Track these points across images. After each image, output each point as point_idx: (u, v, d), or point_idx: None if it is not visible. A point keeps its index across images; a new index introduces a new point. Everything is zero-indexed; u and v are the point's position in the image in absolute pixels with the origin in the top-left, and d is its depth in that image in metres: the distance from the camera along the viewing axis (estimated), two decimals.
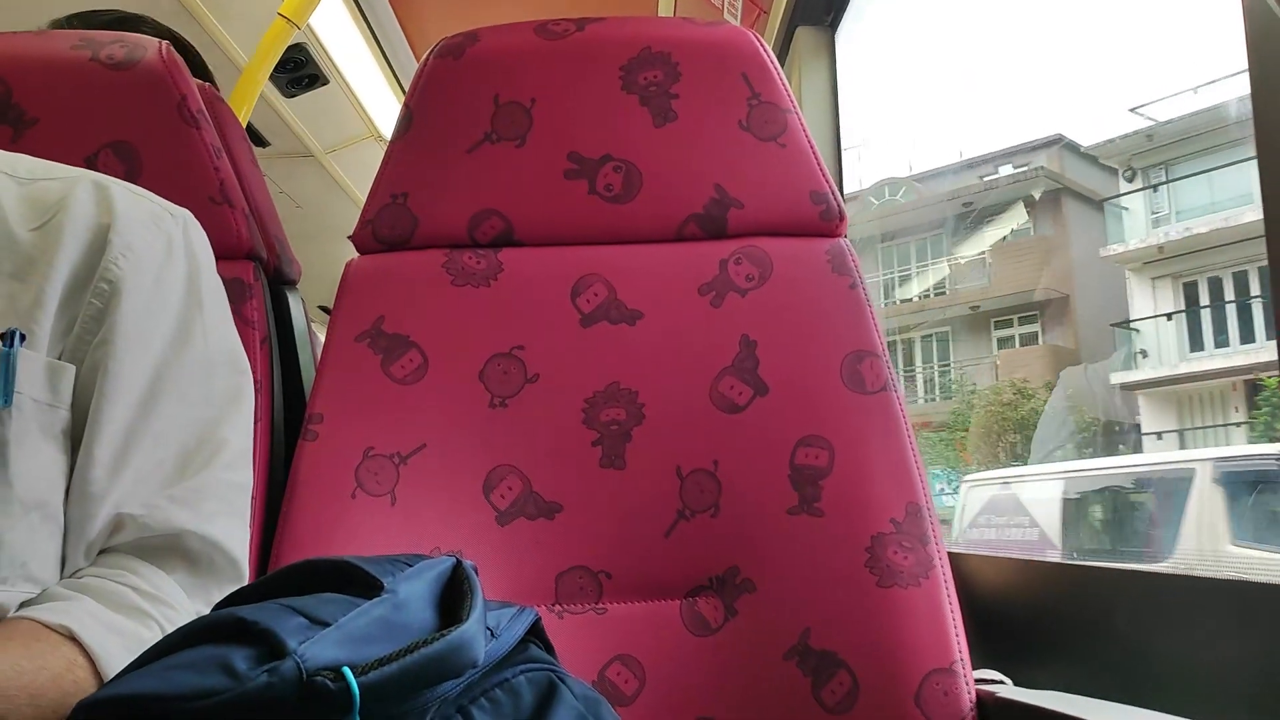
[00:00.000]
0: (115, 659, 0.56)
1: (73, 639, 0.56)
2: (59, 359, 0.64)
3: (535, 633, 0.61)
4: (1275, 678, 0.63)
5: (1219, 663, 0.69)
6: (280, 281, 1.08)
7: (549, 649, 0.62)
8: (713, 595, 0.85)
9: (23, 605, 0.59)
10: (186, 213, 0.74)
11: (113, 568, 0.62)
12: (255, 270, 0.99)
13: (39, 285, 0.64)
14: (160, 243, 0.69)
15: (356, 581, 0.51)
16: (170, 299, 0.69)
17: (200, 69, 1.29)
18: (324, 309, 3.41)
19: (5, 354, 0.60)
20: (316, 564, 0.53)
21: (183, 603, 0.63)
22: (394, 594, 0.49)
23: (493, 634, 0.55)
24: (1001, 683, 0.81)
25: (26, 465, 0.60)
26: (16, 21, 1.25)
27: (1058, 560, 0.97)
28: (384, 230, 0.95)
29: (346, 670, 0.42)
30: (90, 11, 1.27)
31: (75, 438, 0.64)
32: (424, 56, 0.99)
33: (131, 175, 0.90)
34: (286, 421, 0.98)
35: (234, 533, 0.68)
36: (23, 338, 0.62)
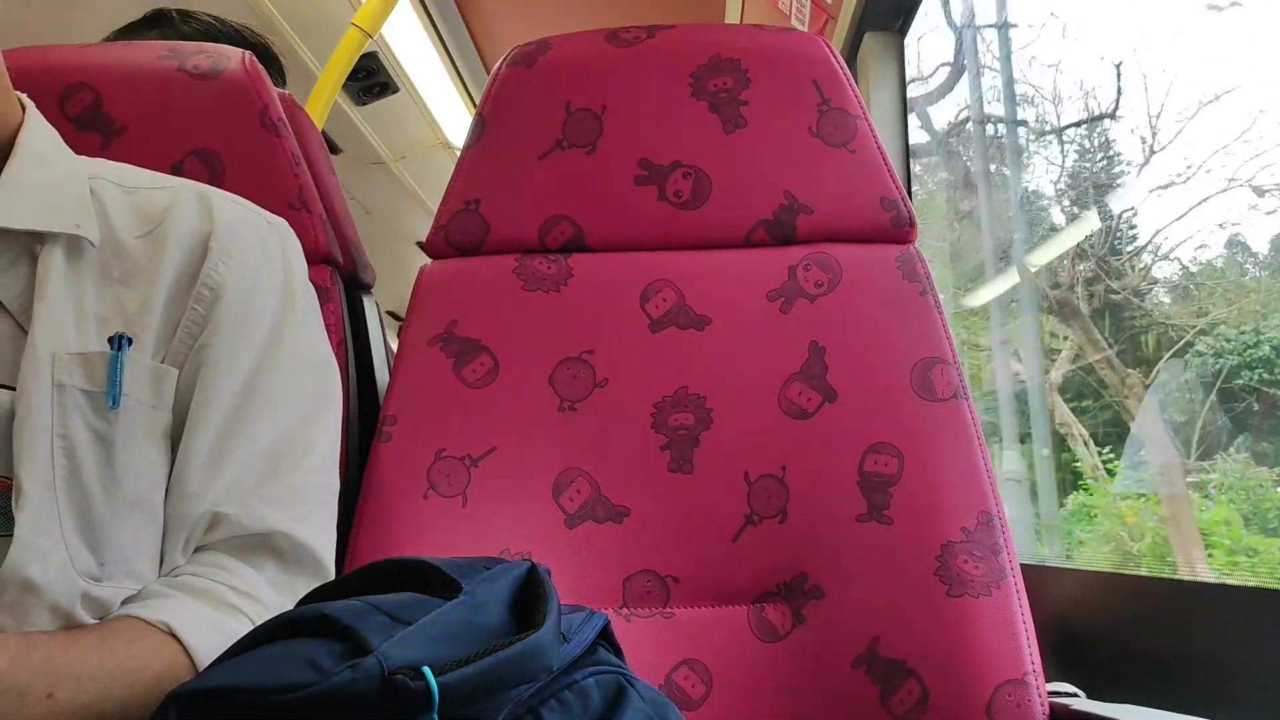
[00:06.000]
0: (213, 655, 0.58)
1: (173, 635, 0.58)
2: (162, 362, 0.66)
3: (604, 636, 0.62)
4: None
5: None
6: (355, 286, 1.10)
7: (618, 652, 0.63)
8: (780, 602, 0.84)
9: (124, 602, 0.61)
10: (282, 221, 0.77)
11: (207, 565, 0.64)
12: (332, 275, 1.00)
13: (145, 291, 0.66)
14: (258, 250, 0.72)
15: (435, 582, 0.52)
16: (266, 304, 0.71)
17: (267, 60, 1.31)
18: (392, 314, 3.46)
19: (114, 358, 0.63)
20: (396, 564, 0.54)
21: (272, 599, 0.65)
22: (472, 595, 0.50)
23: (565, 638, 0.55)
24: (1075, 695, 0.80)
25: (132, 465, 0.63)
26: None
27: (1133, 573, 0.96)
28: (456, 236, 0.97)
29: (427, 670, 0.43)
30: (126, 26, 1.30)
31: (175, 438, 0.66)
32: (496, 65, 1.00)
33: (215, 182, 0.93)
34: (361, 422, 1.00)
35: (321, 534, 0.69)
36: (129, 341, 0.64)
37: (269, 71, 1.08)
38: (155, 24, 1.29)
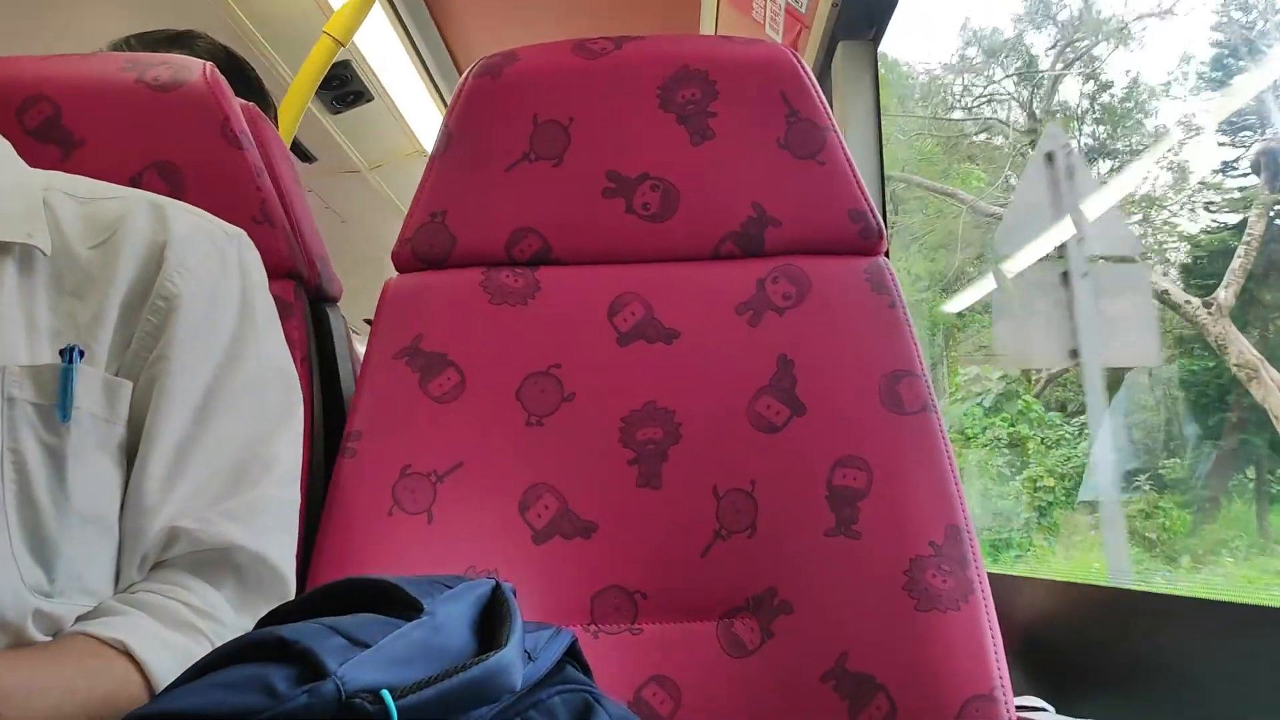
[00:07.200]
0: (168, 674, 0.57)
1: (127, 654, 0.58)
2: (116, 375, 0.65)
3: (572, 653, 0.61)
4: None
5: (1270, 692, 0.68)
6: (321, 299, 1.09)
7: (585, 670, 0.62)
8: (749, 616, 0.84)
9: (79, 619, 0.60)
10: (240, 232, 0.76)
11: (165, 583, 0.63)
12: (296, 289, 1.00)
13: (98, 302, 0.65)
14: (215, 261, 0.71)
15: (396, 602, 0.51)
16: (224, 316, 0.70)
17: (255, 85, 1.32)
18: (369, 323, 3.44)
19: (65, 370, 0.62)
20: (356, 583, 0.53)
21: (232, 619, 0.64)
22: (433, 616, 0.50)
23: (530, 657, 0.55)
24: (1044, 710, 0.80)
25: (84, 479, 0.62)
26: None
27: (1099, 584, 0.96)
28: (422, 248, 0.96)
29: (385, 694, 0.42)
30: (146, 32, 1.30)
31: (131, 452, 0.65)
32: (462, 76, 1.00)
33: (175, 195, 0.91)
34: (326, 438, 0.99)
35: (283, 550, 0.69)
36: (81, 354, 0.63)
37: (260, 103, 1.08)
38: (178, 43, 1.29)
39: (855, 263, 0.96)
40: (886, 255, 0.98)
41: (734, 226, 0.96)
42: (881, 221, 0.97)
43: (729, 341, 0.92)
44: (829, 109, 0.99)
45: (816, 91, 0.99)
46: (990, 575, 0.84)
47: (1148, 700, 0.80)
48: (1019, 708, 0.78)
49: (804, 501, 0.86)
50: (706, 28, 2.57)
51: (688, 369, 0.91)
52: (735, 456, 0.88)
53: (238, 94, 1.01)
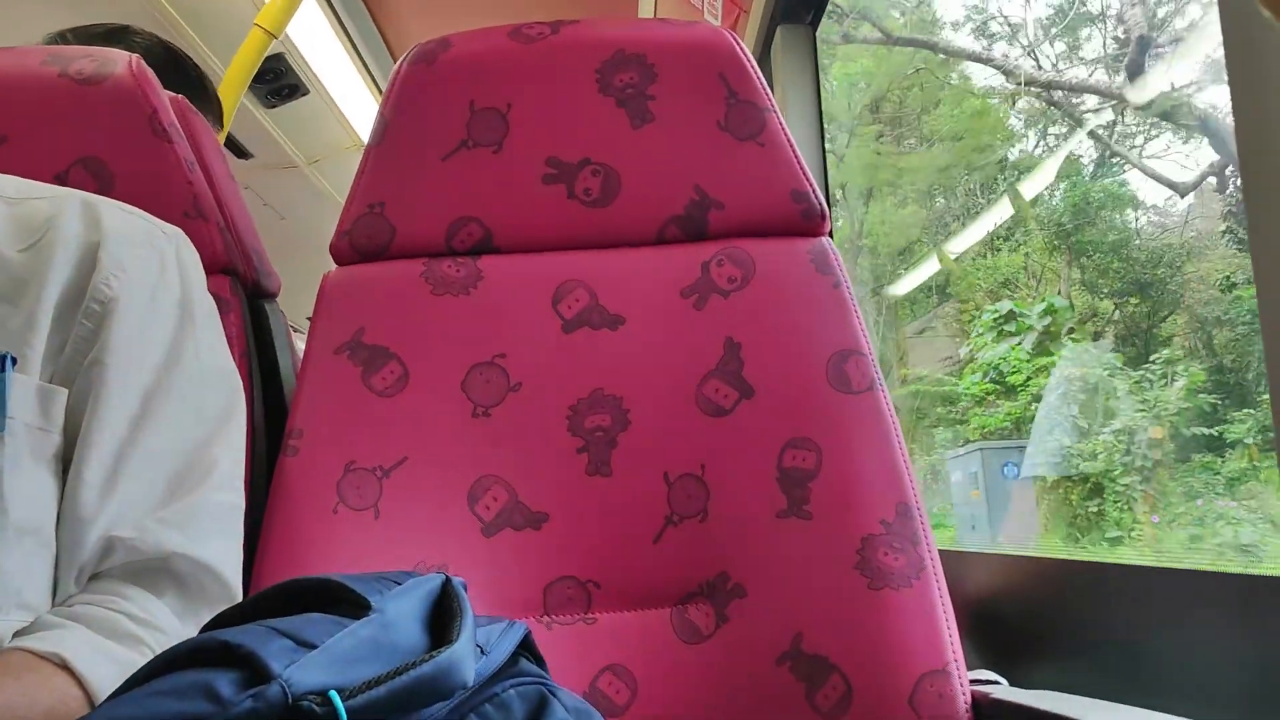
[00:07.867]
0: (109, 687, 0.56)
1: (66, 668, 0.56)
2: (50, 381, 0.63)
3: (525, 645, 0.61)
4: (1273, 673, 0.63)
5: (1217, 659, 0.69)
6: (259, 295, 1.07)
7: (539, 662, 0.62)
8: (703, 602, 0.84)
9: (15, 635, 0.58)
10: (178, 230, 0.74)
11: (103, 594, 0.62)
12: (232, 285, 0.98)
13: (30, 307, 0.63)
14: (153, 261, 0.69)
15: (343, 601, 0.50)
16: (162, 319, 0.68)
17: (194, 79, 1.29)
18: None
19: None
20: (302, 583, 0.52)
21: (174, 627, 0.63)
22: (382, 613, 0.49)
23: (483, 651, 0.54)
24: (997, 683, 0.80)
25: (20, 491, 0.60)
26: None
27: (1049, 556, 0.97)
28: (361, 240, 0.95)
29: (333, 694, 0.41)
30: (81, 26, 1.27)
31: (66, 461, 0.63)
32: (396, 64, 0.98)
33: (103, 191, 0.89)
34: (268, 436, 0.97)
35: (225, 554, 0.67)
36: (14, 361, 0.61)
37: (204, 110, 1.05)
38: (113, 39, 1.26)
39: (799, 244, 0.95)
40: (830, 235, 0.98)
41: (677, 210, 0.96)
42: (824, 202, 0.97)
43: (675, 326, 0.92)
44: (769, 91, 0.99)
45: (756, 73, 0.99)
46: (941, 551, 0.85)
47: (1098, 669, 0.81)
48: (972, 681, 0.79)
49: (755, 484, 0.86)
50: (645, 13, 2.56)
51: (634, 355, 0.91)
52: (685, 441, 0.88)
53: (178, 89, 0.99)
